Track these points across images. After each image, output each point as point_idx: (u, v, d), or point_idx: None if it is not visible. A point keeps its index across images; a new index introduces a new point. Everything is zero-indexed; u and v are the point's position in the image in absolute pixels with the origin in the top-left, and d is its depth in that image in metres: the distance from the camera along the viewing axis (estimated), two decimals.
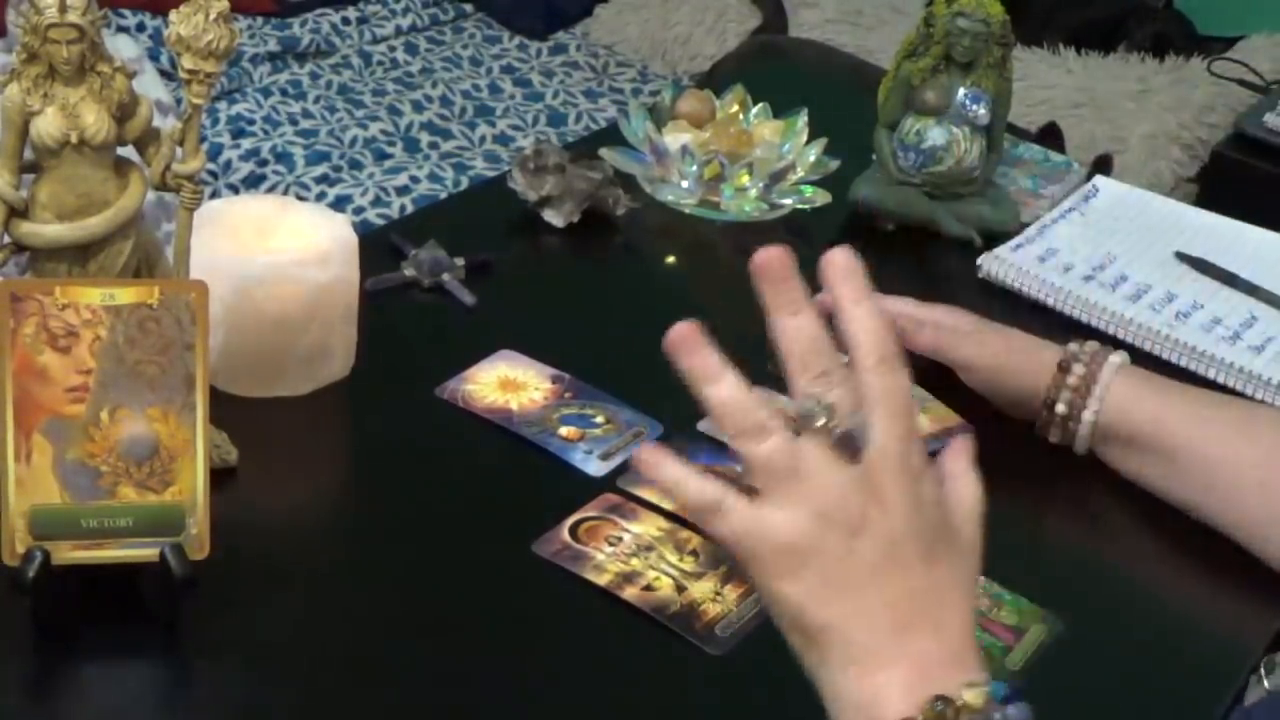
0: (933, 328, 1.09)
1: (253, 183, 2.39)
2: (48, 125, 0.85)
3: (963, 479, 0.74)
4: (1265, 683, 0.93)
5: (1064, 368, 1.06)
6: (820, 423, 0.69)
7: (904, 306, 1.10)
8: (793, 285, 0.71)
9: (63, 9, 0.83)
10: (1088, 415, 1.04)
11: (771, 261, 0.72)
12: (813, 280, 0.74)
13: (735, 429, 0.70)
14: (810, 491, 0.68)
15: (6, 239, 0.88)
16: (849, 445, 0.68)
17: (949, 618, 0.69)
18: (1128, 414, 1.04)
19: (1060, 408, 1.05)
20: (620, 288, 1.30)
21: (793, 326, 0.71)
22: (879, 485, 0.68)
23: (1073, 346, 1.07)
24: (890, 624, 0.68)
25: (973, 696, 0.66)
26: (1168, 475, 1.03)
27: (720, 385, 0.71)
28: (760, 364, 1.14)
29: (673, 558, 0.96)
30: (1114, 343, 1.24)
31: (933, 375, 1.15)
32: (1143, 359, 1.22)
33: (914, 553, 0.69)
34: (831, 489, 0.68)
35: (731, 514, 0.70)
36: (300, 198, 1.93)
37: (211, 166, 2.39)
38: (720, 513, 0.70)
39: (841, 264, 0.71)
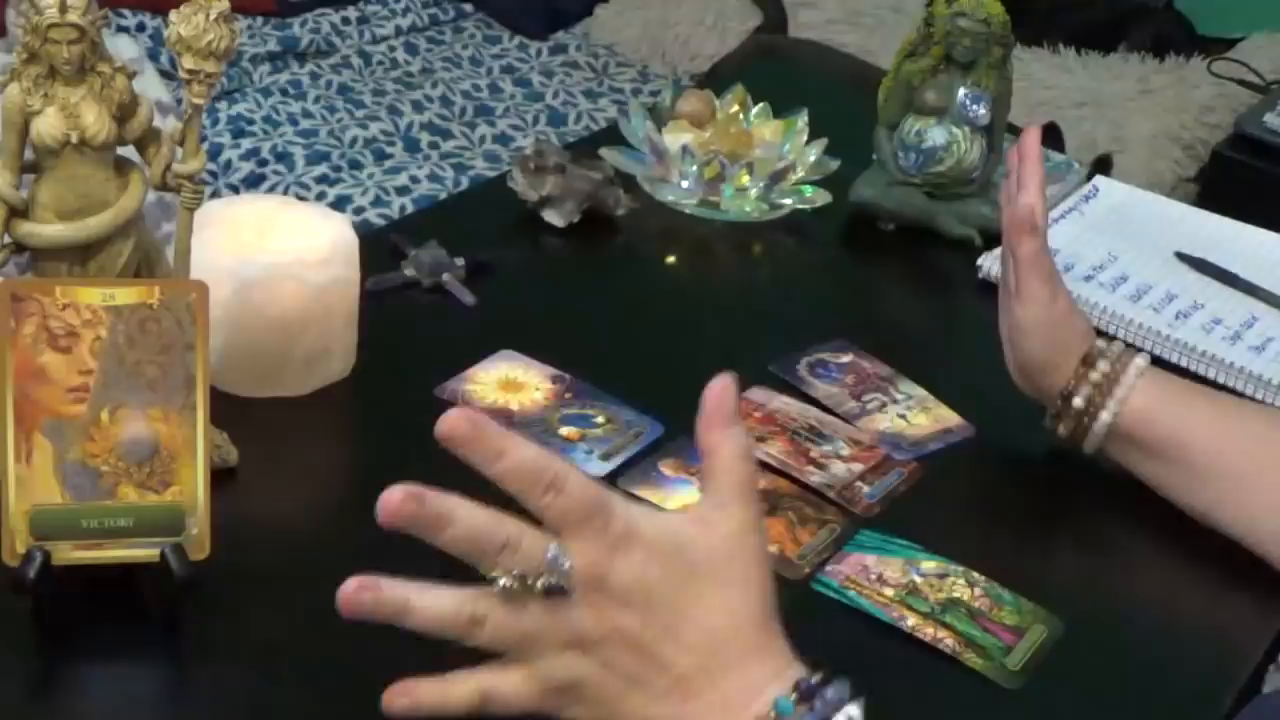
0: (1043, 250, 1.03)
1: (253, 183, 2.39)
2: (48, 125, 0.85)
3: (724, 511, 0.75)
4: None
5: (1088, 362, 1.02)
6: (519, 591, 0.71)
7: (1038, 202, 1.03)
8: (431, 513, 0.72)
9: (63, 9, 0.83)
10: (1105, 416, 1.02)
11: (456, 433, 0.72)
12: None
13: (448, 638, 0.72)
14: (546, 642, 0.72)
15: (7, 239, 0.88)
16: (557, 591, 0.71)
17: (728, 660, 0.73)
18: (1148, 420, 1.01)
19: (1078, 401, 1.02)
20: (620, 288, 1.30)
21: (449, 540, 0.72)
22: (599, 601, 0.71)
23: (1100, 343, 1.03)
24: (675, 700, 0.72)
25: None
26: (1185, 486, 1.01)
27: (412, 615, 0.72)
28: (759, 363, 1.14)
29: None
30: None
31: (937, 375, 1.15)
32: None
33: (663, 633, 0.72)
34: (561, 630, 0.72)
35: (501, 693, 0.73)
36: (300, 198, 1.93)
37: (211, 166, 2.39)
38: (487, 699, 0.73)
39: (460, 435, 0.72)
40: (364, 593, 0.72)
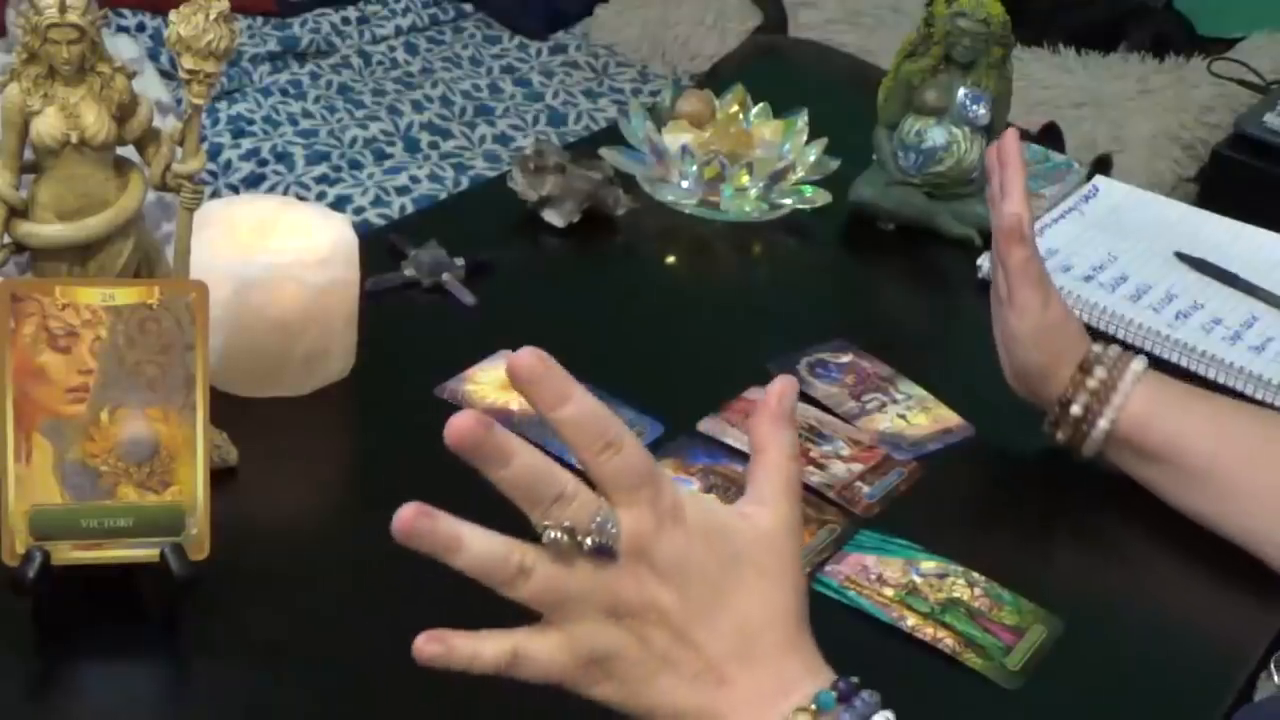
0: (1032, 258, 1.03)
1: (253, 183, 2.39)
2: (48, 125, 0.85)
3: (768, 506, 0.74)
4: (1276, 679, 0.93)
5: (1085, 369, 1.02)
6: (567, 546, 0.70)
7: (1024, 210, 1.03)
8: (494, 444, 0.71)
9: (63, 9, 0.83)
10: (1103, 423, 1.01)
11: (466, 434, 0.70)
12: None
13: (491, 583, 0.71)
14: (587, 605, 0.71)
15: (6, 239, 0.88)
16: (604, 552, 0.70)
17: (762, 651, 0.72)
18: (1146, 426, 1.01)
19: (1075, 409, 1.02)
20: (620, 288, 1.30)
21: (506, 477, 0.71)
22: (640, 572, 0.71)
23: (1096, 348, 1.03)
24: (708, 686, 0.71)
25: None
26: (1183, 490, 1.01)
27: (463, 553, 0.71)
28: (759, 363, 1.14)
29: None
30: (1115, 343, 1.24)
31: (937, 375, 1.15)
32: None
33: (699, 615, 0.71)
34: (603, 595, 0.71)
35: (529, 657, 0.72)
36: (300, 198, 1.93)
37: (211, 166, 2.39)
38: (518, 659, 0.72)
39: (528, 371, 0.71)
40: (422, 519, 0.71)
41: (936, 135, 1.33)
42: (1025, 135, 1.79)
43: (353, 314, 1.07)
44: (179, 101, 2.21)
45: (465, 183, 2.39)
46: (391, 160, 2.45)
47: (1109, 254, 1.33)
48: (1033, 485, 1.09)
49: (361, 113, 2.57)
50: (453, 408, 1.07)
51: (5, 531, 0.83)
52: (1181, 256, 1.33)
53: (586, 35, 2.98)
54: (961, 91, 1.32)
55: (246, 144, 2.44)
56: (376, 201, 2.32)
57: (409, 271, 1.20)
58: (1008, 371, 1.07)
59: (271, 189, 2.36)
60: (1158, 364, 1.21)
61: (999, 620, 0.94)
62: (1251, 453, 1.00)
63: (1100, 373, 1.02)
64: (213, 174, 2.39)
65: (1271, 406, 1.18)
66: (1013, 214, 1.02)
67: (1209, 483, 1.00)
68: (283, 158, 2.42)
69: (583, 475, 0.72)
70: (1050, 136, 2.13)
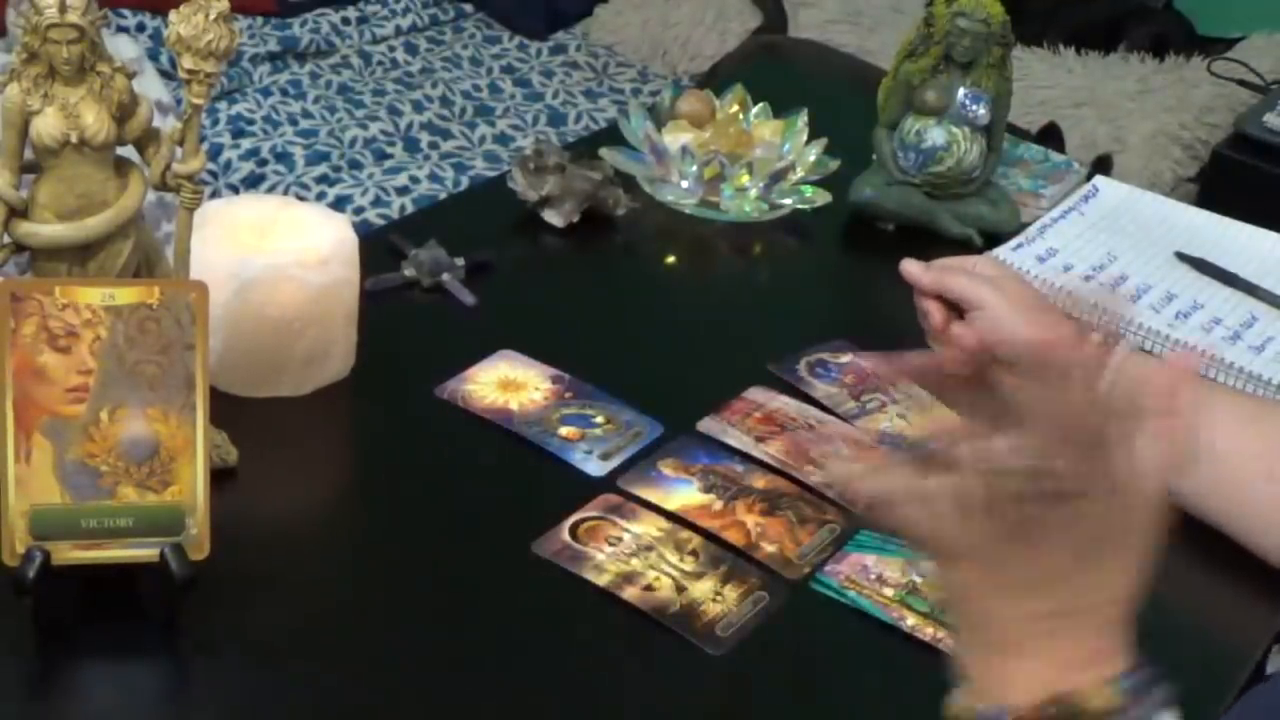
0: (945, 267, 1.07)
1: (253, 183, 2.39)
2: (48, 125, 0.85)
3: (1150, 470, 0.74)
4: None
5: (1083, 331, 1.05)
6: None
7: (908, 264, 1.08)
8: None
9: (63, 9, 0.83)
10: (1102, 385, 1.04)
11: None
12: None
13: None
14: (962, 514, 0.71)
15: (6, 239, 0.88)
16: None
17: (1097, 616, 0.71)
18: (1139, 391, 1.04)
19: None
20: (620, 288, 1.30)
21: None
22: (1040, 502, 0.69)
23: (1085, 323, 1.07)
24: (1037, 628, 0.70)
25: (1099, 699, 0.69)
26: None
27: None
28: (759, 363, 1.15)
29: (673, 558, 0.96)
30: None
31: (933, 375, 1.15)
32: None
33: (1066, 564, 0.70)
34: (987, 505, 0.70)
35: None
36: (300, 198, 1.93)
37: (211, 166, 2.39)
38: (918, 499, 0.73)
39: None
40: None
41: (936, 135, 1.33)
42: (1025, 135, 1.79)
43: (353, 314, 1.07)
44: (179, 101, 2.21)
45: (465, 183, 2.39)
46: (391, 160, 2.45)
47: (1109, 254, 1.33)
48: None
49: (361, 113, 2.57)
50: (453, 408, 1.07)
51: (5, 531, 0.83)
52: (1181, 256, 1.33)
53: (586, 35, 2.98)
54: (961, 91, 1.32)
55: (246, 144, 2.44)
56: (376, 201, 2.32)
57: (409, 271, 1.20)
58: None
59: (271, 189, 2.36)
60: None
61: None
62: (1239, 424, 1.02)
63: (1096, 337, 1.04)
64: (213, 174, 2.38)
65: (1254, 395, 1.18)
66: (905, 272, 1.04)
67: (1198, 459, 1.01)
68: (283, 158, 2.42)
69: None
70: (1050, 136, 2.13)
